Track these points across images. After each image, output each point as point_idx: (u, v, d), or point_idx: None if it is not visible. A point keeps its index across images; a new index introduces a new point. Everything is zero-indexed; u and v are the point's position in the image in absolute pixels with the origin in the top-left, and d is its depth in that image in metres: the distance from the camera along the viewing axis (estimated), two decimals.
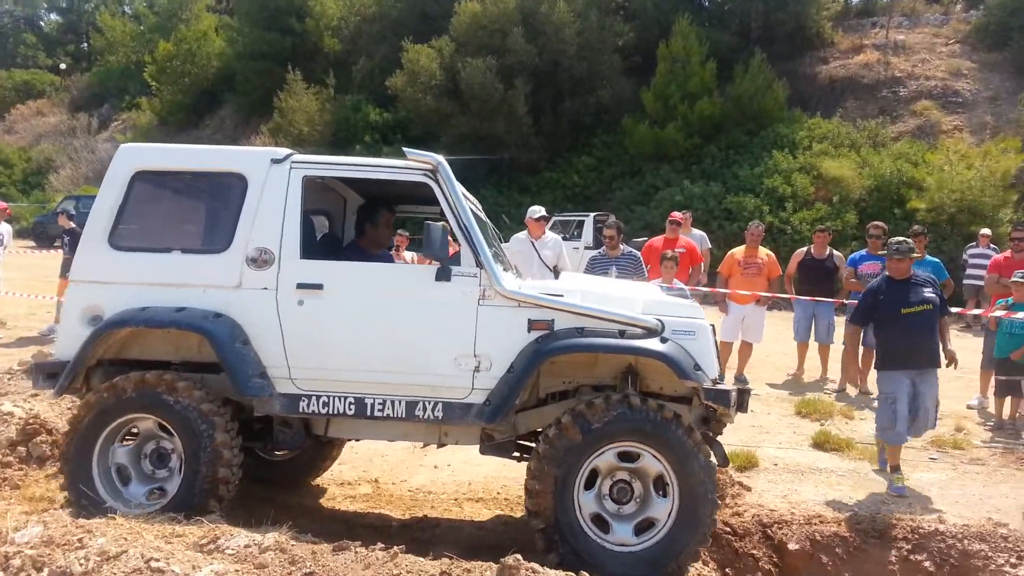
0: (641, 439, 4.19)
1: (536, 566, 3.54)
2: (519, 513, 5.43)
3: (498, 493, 5.89)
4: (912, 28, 25.84)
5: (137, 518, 3.91)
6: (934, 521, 5.09)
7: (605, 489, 4.30)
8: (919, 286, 5.78)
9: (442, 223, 4.34)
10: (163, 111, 33.75)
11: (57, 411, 6.09)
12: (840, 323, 9.12)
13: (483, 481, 6.07)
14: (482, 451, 4.74)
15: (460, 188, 4.52)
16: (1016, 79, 21.62)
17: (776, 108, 21.88)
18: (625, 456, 4.26)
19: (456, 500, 5.80)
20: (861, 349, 7.98)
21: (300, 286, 4.42)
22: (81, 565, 3.26)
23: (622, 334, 4.29)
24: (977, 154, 18.54)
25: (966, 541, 4.92)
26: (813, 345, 9.28)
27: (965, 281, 12.54)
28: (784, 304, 10.91)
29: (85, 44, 49.18)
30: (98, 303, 4.50)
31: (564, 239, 11.02)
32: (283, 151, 4.66)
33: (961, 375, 7.47)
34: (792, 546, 5.00)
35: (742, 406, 4.48)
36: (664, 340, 4.27)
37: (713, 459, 4.38)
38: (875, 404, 6.77)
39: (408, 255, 9.99)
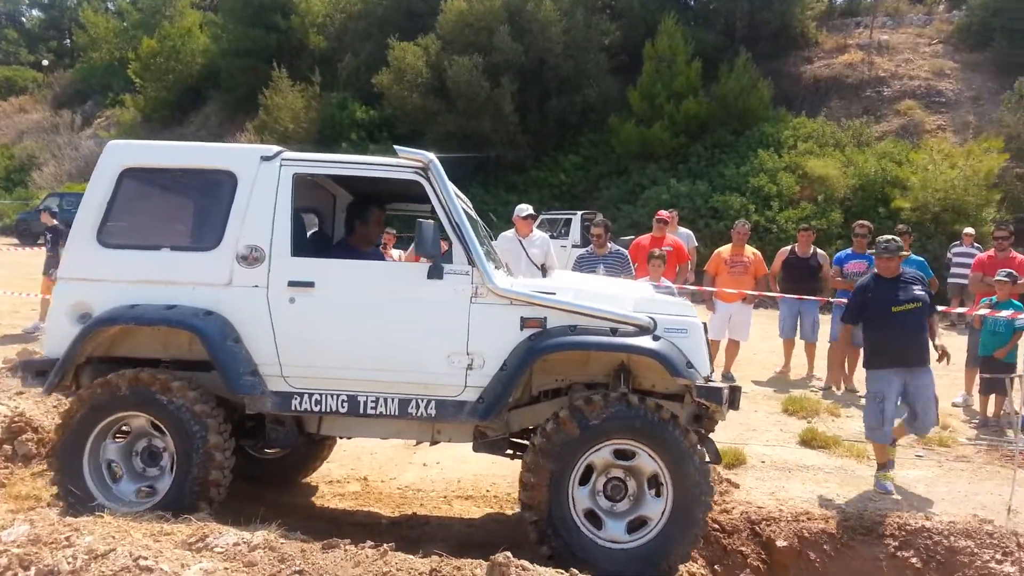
0: (637, 437, 4.20)
1: (526, 563, 3.53)
2: (509, 510, 5.44)
3: (487, 491, 5.88)
4: (896, 28, 26.08)
5: (125, 516, 3.88)
6: (920, 518, 5.14)
7: (599, 486, 4.31)
8: (909, 284, 5.79)
9: (433, 221, 4.34)
10: (147, 108, 33.43)
11: (43, 409, 6.05)
12: (825, 321, 9.21)
13: (472, 479, 6.06)
14: (475, 448, 4.75)
15: (451, 186, 4.52)
16: (998, 79, 21.79)
17: (761, 107, 21.97)
18: (621, 454, 4.27)
19: (446, 498, 5.78)
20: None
21: (291, 284, 4.40)
22: (69, 563, 3.24)
23: (614, 332, 4.29)
24: (960, 153, 18.70)
25: (952, 538, 4.97)
26: (799, 342, 9.33)
27: (949, 280, 12.69)
28: (770, 302, 10.96)
29: (68, 40, 48.69)
30: (87, 300, 4.47)
31: (551, 237, 11.05)
32: (273, 148, 4.63)
33: (946, 373, 7.52)
34: (780, 543, 5.03)
35: (734, 403, 4.53)
36: (656, 338, 4.29)
37: (707, 457, 4.40)
38: (861, 401, 6.83)
39: (395, 253, 9.97)
